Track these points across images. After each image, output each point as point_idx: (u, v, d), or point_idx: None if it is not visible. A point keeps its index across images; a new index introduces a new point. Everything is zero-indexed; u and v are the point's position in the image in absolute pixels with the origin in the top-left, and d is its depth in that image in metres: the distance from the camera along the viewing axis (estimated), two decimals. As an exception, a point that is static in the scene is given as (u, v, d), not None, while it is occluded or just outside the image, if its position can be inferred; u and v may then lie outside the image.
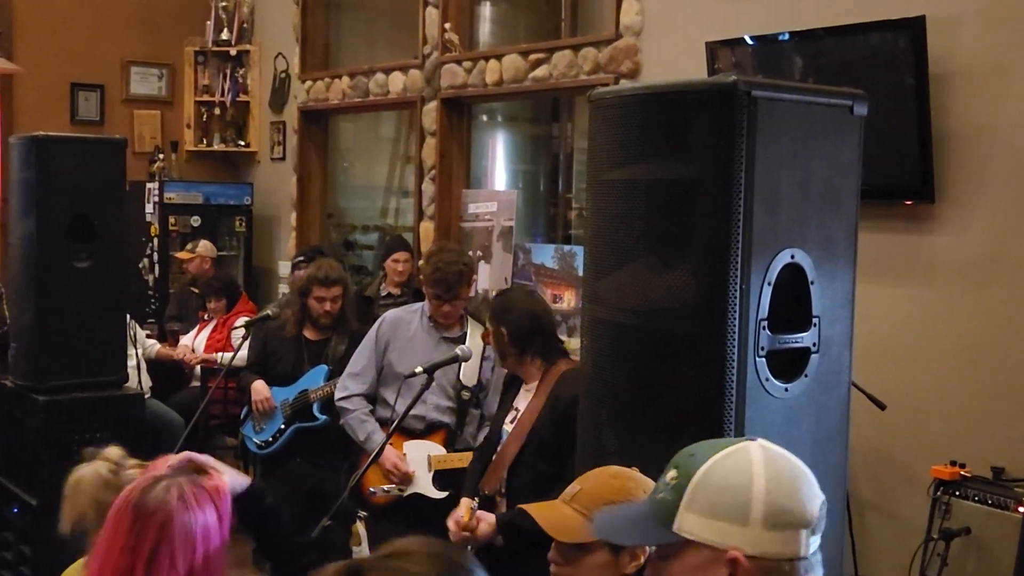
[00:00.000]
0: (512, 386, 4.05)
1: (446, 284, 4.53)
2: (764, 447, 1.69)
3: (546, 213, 7.81)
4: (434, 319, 4.67)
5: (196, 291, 7.75)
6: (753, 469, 1.65)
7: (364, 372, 4.72)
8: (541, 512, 2.42)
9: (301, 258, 6.98)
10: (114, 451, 2.84)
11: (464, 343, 4.54)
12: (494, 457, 3.95)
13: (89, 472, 2.77)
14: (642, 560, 2.41)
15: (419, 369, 3.99)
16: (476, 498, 3.89)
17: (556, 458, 3.66)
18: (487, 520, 3.76)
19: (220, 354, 7.00)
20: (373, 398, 4.73)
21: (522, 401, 3.93)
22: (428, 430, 4.61)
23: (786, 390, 2.56)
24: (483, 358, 4.62)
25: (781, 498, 1.63)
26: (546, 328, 3.98)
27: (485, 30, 7.33)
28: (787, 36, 4.73)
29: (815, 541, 1.65)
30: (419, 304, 4.83)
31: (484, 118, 7.65)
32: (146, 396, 5.97)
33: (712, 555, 1.63)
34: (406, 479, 4.53)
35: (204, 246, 7.92)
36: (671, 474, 1.71)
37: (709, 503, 1.64)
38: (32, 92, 8.52)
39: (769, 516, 1.62)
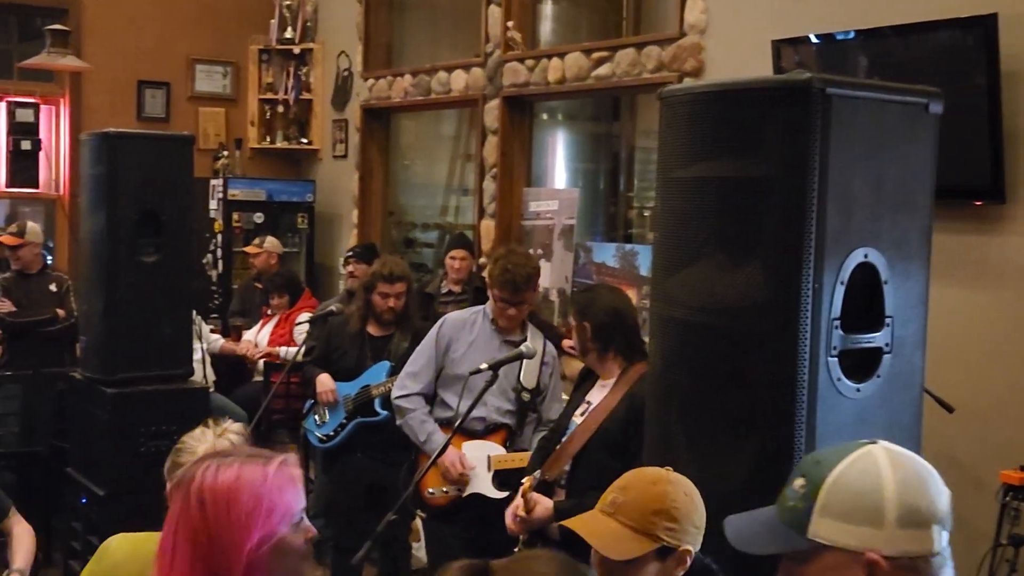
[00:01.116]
0: (586, 380, 4.05)
1: (514, 286, 4.51)
2: (887, 449, 1.73)
3: (606, 212, 7.79)
4: (496, 322, 4.68)
5: (260, 286, 7.84)
6: (881, 472, 1.69)
7: (423, 372, 4.71)
8: (588, 529, 2.40)
9: (350, 254, 7.02)
10: (234, 424, 2.95)
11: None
12: (558, 447, 3.94)
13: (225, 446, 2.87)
14: (688, 564, 2.41)
15: (484, 366, 3.98)
16: (537, 473, 3.87)
17: (623, 455, 3.65)
18: (544, 504, 3.75)
19: (283, 348, 7.07)
20: (430, 398, 4.72)
21: (596, 395, 3.91)
22: (487, 431, 4.60)
23: (858, 390, 2.55)
24: (542, 362, 4.62)
25: (912, 498, 1.67)
26: (629, 326, 3.95)
27: (547, 28, 7.33)
28: (853, 35, 4.68)
29: (946, 536, 1.69)
30: (480, 306, 4.82)
31: (545, 116, 7.64)
32: (210, 390, 6.04)
33: (848, 558, 1.67)
34: (461, 480, 4.52)
35: (271, 242, 8.01)
36: (799, 482, 1.75)
37: (843, 508, 1.69)
38: (100, 89, 8.65)
39: (903, 516, 1.66)
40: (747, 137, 2.53)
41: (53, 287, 6.95)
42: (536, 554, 1.72)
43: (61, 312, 6.85)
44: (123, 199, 5.08)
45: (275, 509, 2.05)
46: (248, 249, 8.13)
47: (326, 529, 6.13)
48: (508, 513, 3.85)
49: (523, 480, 3.79)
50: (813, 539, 1.70)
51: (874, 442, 1.75)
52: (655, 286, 2.89)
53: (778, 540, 1.78)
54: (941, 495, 1.70)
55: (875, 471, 1.70)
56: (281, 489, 2.07)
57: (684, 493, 2.41)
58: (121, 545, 2.85)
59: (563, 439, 3.92)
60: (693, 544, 2.41)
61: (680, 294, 2.71)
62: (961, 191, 4.25)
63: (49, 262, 8.44)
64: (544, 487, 3.84)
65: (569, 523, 2.44)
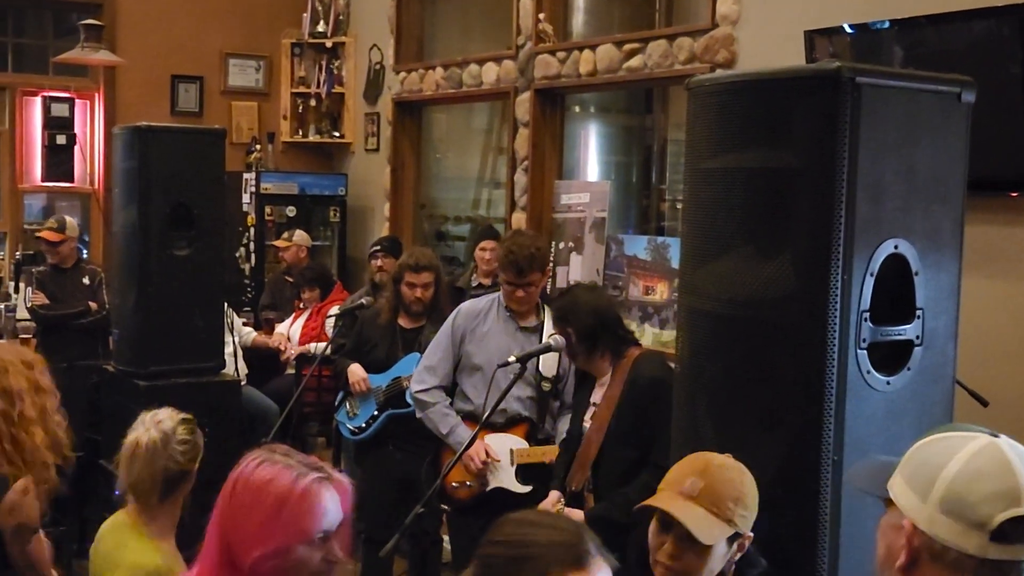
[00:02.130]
0: (585, 381, 4.04)
1: (518, 268, 4.47)
2: (994, 442, 1.68)
3: (638, 205, 7.76)
4: (509, 308, 4.65)
5: (290, 280, 7.86)
6: (959, 454, 1.67)
7: (440, 364, 4.70)
8: (681, 512, 2.36)
9: (377, 247, 7.03)
10: (168, 421, 3.02)
11: (541, 332, 4.52)
12: (577, 453, 3.94)
13: (145, 439, 2.95)
14: (745, 548, 2.40)
15: (512, 359, 3.98)
16: (561, 495, 3.88)
17: (639, 442, 3.64)
18: (575, 516, 3.75)
19: (314, 344, 7.08)
20: (449, 390, 4.72)
21: (598, 395, 3.92)
22: (509, 423, 4.58)
23: (888, 383, 2.52)
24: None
25: (965, 489, 1.64)
26: (612, 322, 3.94)
27: (579, 20, 7.29)
28: (887, 24, 4.63)
29: (1004, 551, 1.62)
30: (494, 295, 4.80)
31: (577, 109, 7.62)
32: (242, 383, 6.07)
33: (900, 518, 1.69)
34: (484, 469, 4.50)
35: (300, 235, 8.03)
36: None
37: (911, 471, 1.71)
38: (134, 84, 8.70)
39: (945, 500, 1.64)
40: (775, 127, 2.50)
41: (86, 280, 7.00)
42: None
43: (93, 305, 6.89)
44: (155, 193, 5.11)
45: (292, 525, 2.05)
46: (277, 243, 8.14)
47: (358, 522, 6.17)
48: None
49: (551, 503, 3.81)
50: (889, 489, 1.73)
51: (998, 435, 1.71)
52: (683, 278, 2.87)
53: (870, 482, 1.84)
54: (1007, 509, 1.61)
55: (955, 449, 1.68)
56: (304, 507, 2.06)
57: (750, 480, 2.42)
58: (103, 526, 3.16)
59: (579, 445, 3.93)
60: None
61: (708, 286, 2.69)
62: (996, 182, 4.19)
63: (85, 256, 8.52)
64: (573, 496, 3.84)
65: (658, 503, 2.39)
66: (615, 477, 3.75)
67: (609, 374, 3.89)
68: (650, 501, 2.42)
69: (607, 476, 3.79)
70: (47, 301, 6.89)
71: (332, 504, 2.09)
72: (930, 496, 1.65)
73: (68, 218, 7.12)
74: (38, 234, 7.19)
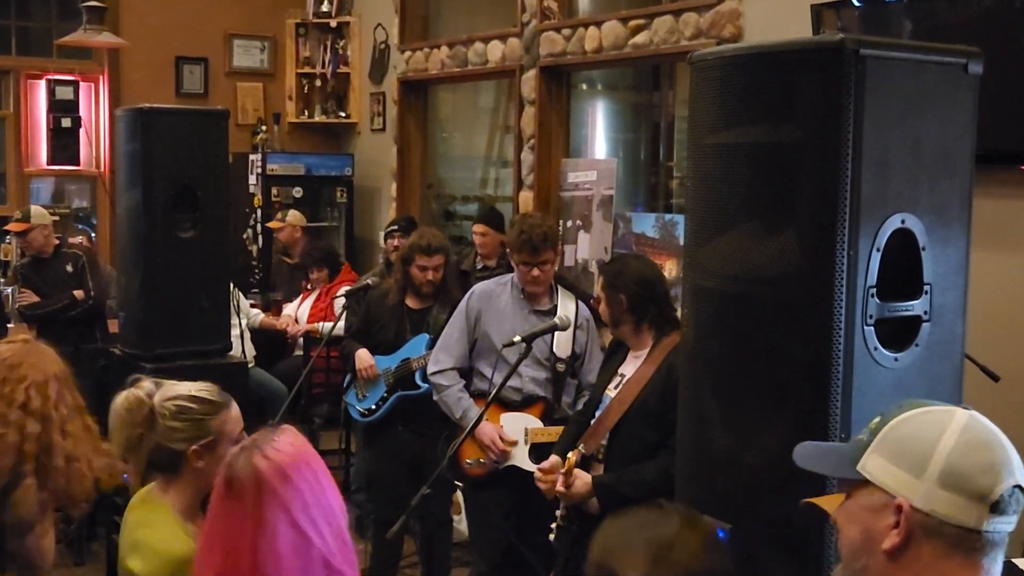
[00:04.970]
0: (617, 352, 3.99)
1: (532, 247, 4.49)
2: (973, 415, 1.69)
3: (647, 182, 7.72)
4: (524, 290, 4.65)
5: (288, 260, 7.84)
6: (948, 427, 1.65)
7: (455, 345, 4.74)
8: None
9: (394, 227, 7.01)
10: (146, 384, 2.90)
11: (554, 314, 4.51)
12: (593, 421, 3.90)
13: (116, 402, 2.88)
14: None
15: (517, 338, 3.97)
16: (580, 449, 3.82)
17: (662, 426, 3.61)
18: (583, 479, 3.74)
19: (321, 324, 7.07)
20: (465, 371, 4.73)
21: (629, 368, 3.87)
22: (525, 402, 4.62)
23: (896, 360, 2.49)
24: (575, 327, 4.59)
25: (964, 462, 1.63)
26: (661, 295, 3.90)
27: (585, -3, 7.25)
28: (897, -4, 4.57)
29: (997, 522, 1.63)
30: (508, 276, 4.81)
31: (583, 86, 7.57)
32: (250, 365, 6.05)
33: (884, 500, 1.66)
34: (503, 456, 4.54)
35: (294, 215, 8.01)
36: (875, 420, 1.74)
37: (895, 449, 1.68)
38: (139, 66, 8.68)
39: (945, 475, 1.62)
40: (779, 101, 2.47)
41: (69, 267, 6.89)
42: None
43: (79, 293, 6.78)
44: (158, 175, 5.09)
45: None
46: (271, 224, 8.09)
47: (368, 503, 6.16)
48: (539, 480, 3.84)
49: (569, 455, 3.76)
50: (861, 471, 1.70)
51: (967, 407, 1.70)
52: (688, 255, 2.83)
53: (832, 464, 1.82)
54: (1002, 478, 1.63)
55: (942, 424, 1.66)
56: None
57: None
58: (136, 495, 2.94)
59: (597, 413, 3.88)
60: None
61: (713, 263, 2.66)
62: (1007, 156, 4.15)
63: (98, 240, 8.50)
64: (582, 461, 3.81)
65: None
66: (629, 453, 3.73)
67: (647, 350, 3.84)
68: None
69: (621, 450, 3.77)
70: (36, 299, 6.79)
71: None
72: (927, 472, 1.63)
73: (34, 207, 7.06)
74: (5, 228, 7.09)
